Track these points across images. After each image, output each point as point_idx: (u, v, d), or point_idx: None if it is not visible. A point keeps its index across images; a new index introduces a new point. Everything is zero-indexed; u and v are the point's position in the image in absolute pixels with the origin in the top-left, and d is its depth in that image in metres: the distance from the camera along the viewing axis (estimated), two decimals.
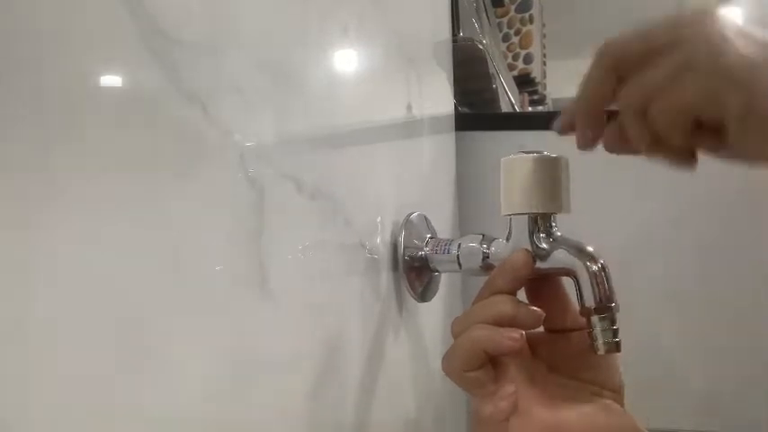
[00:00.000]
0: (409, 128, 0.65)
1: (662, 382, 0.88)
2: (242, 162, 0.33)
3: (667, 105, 0.33)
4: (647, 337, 0.88)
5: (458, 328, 0.38)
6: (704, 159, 0.36)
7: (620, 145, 0.38)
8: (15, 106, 0.20)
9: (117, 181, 0.25)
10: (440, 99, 0.82)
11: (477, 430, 0.40)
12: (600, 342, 0.38)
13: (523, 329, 0.37)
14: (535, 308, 0.38)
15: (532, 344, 0.40)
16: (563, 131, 0.39)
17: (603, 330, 0.38)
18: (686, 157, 0.36)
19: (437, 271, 0.58)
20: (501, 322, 0.37)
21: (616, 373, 0.40)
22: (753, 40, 0.31)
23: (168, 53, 0.27)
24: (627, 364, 0.40)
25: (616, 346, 0.38)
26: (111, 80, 0.24)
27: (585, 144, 0.38)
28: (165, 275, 0.27)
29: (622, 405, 0.40)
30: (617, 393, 0.40)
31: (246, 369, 0.33)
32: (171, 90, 0.28)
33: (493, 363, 0.38)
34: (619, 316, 0.39)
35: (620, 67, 0.35)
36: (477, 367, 0.37)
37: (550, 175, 0.40)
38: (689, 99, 0.32)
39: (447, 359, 0.38)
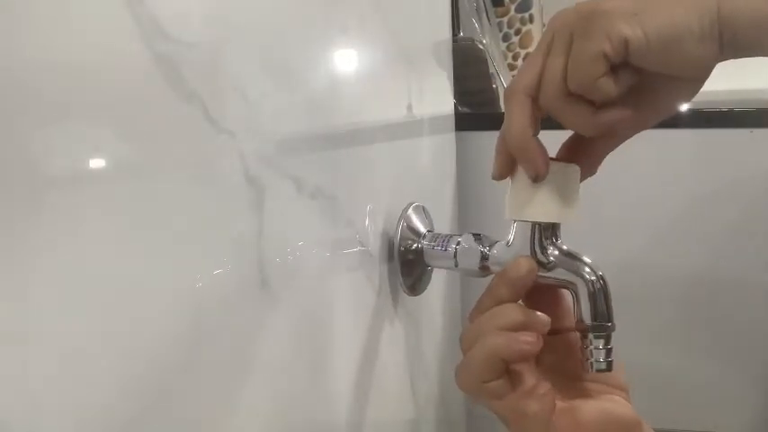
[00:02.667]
0: (409, 128, 0.65)
1: (662, 383, 0.88)
2: (242, 162, 0.33)
3: (578, 66, 0.34)
4: (647, 338, 0.88)
5: (468, 341, 0.38)
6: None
7: (579, 148, 0.38)
8: (14, 97, 0.20)
9: (116, 181, 0.24)
10: (440, 99, 0.82)
11: None
12: (592, 361, 0.38)
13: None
14: (541, 314, 0.38)
15: None
16: (501, 176, 0.39)
17: (597, 349, 0.37)
18: (626, 110, 0.35)
19: (430, 266, 0.57)
20: (512, 330, 0.36)
21: (620, 371, 0.40)
22: None
23: (168, 53, 0.27)
24: (628, 366, 0.40)
25: (607, 366, 0.37)
26: (110, 79, 0.24)
27: (541, 172, 0.38)
28: (165, 275, 0.27)
29: (629, 404, 0.40)
30: (624, 392, 0.40)
31: (246, 368, 0.33)
32: (171, 90, 0.28)
33: (506, 371, 0.37)
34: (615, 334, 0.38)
35: (522, 92, 0.36)
36: (496, 377, 0.36)
37: (563, 183, 0.39)
38: (591, 48, 0.33)
39: (462, 373, 0.38)
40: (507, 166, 0.39)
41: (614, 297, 0.39)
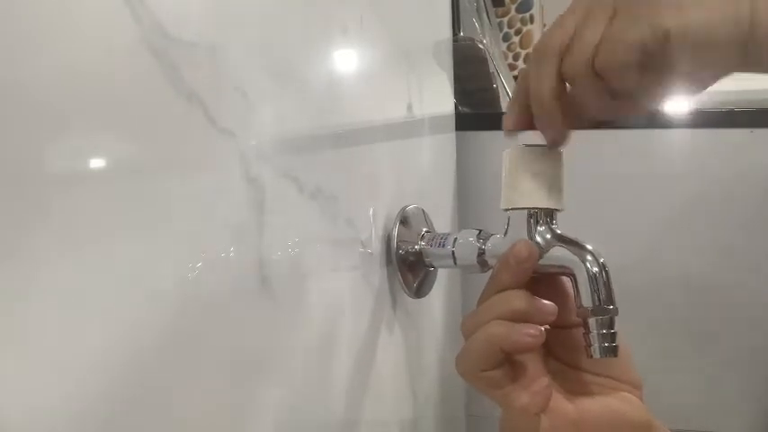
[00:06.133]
0: (410, 128, 0.65)
1: (662, 383, 0.88)
2: (242, 162, 0.33)
3: (613, 47, 0.32)
4: (647, 337, 0.88)
5: (469, 328, 0.37)
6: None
7: (580, 118, 0.37)
8: (14, 96, 0.20)
9: (116, 181, 0.24)
10: (440, 99, 0.82)
11: (505, 426, 0.39)
12: (596, 346, 0.37)
13: (537, 324, 0.36)
14: (548, 302, 0.37)
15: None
16: (514, 127, 0.38)
17: (600, 334, 0.36)
18: (645, 99, 0.35)
19: (432, 266, 0.56)
20: (514, 318, 0.36)
21: (631, 367, 0.39)
22: None
23: (168, 53, 0.27)
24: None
25: (613, 351, 0.36)
26: (110, 79, 0.24)
27: (558, 137, 0.37)
28: (164, 275, 0.27)
29: (641, 400, 0.39)
30: (636, 388, 0.39)
31: (245, 368, 0.33)
32: (171, 90, 0.28)
33: (508, 361, 0.37)
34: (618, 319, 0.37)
35: (556, 52, 0.34)
36: (494, 366, 0.36)
37: (552, 168, 0.39)
38: (632, 33, 0.31)
39: (462, 359, 0.37)
40: (524, 121, 0.38)
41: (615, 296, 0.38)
